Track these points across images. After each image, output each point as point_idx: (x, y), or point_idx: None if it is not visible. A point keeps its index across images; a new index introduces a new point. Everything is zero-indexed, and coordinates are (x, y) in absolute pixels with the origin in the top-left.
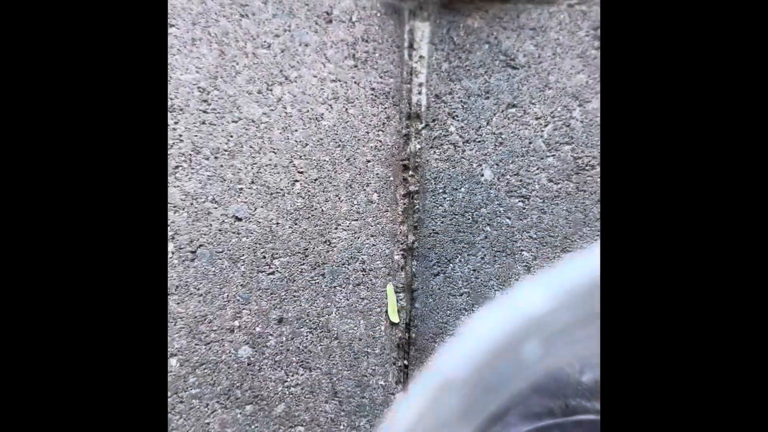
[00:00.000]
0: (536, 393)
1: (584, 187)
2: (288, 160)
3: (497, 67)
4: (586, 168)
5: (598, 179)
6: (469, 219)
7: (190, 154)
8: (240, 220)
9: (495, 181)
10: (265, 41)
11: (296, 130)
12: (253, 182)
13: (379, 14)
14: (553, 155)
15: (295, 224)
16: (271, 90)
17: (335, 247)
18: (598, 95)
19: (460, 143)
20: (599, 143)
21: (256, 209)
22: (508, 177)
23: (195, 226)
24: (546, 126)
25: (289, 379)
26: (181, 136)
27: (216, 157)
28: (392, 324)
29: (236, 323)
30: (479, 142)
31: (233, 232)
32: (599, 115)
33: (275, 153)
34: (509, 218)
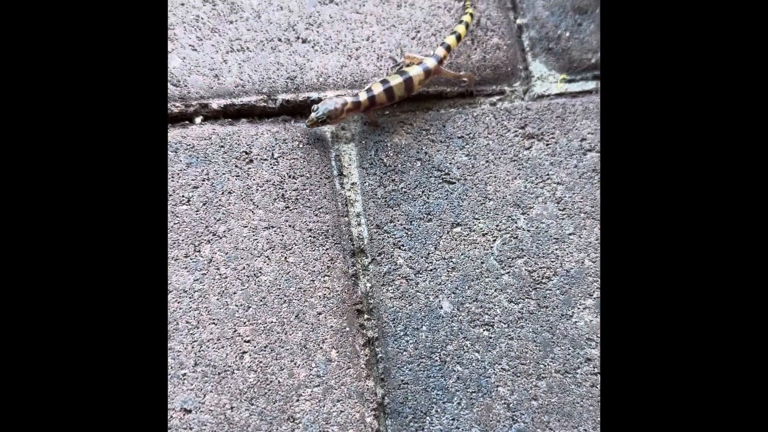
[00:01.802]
0: None
1: (545, 303)
2: (232, 330)
3: (434, 184)
4: (543, 281)
5: (558, 292)
6: (437, 361)
7: None
8: (189, 412)
9: (455, 312)
10: (183, 196)
11: (235, 293)
12: (196, 364)
13: (301, 145)
14: (508, 272)
15: (252, 404)
16: (199, 251)
17: (300, 422)
18: (539, 199)
19: (411, 275)
20: (550, 251)
21: (205, 396)
22: (467, 305)
23: None
24: (494, 242)
25: None
26: None
27: None
28: None
29: None
30: (431, 270)
31: (185, 429)
32: (544, 220)
33: (216, 324)
34: (478, 351)
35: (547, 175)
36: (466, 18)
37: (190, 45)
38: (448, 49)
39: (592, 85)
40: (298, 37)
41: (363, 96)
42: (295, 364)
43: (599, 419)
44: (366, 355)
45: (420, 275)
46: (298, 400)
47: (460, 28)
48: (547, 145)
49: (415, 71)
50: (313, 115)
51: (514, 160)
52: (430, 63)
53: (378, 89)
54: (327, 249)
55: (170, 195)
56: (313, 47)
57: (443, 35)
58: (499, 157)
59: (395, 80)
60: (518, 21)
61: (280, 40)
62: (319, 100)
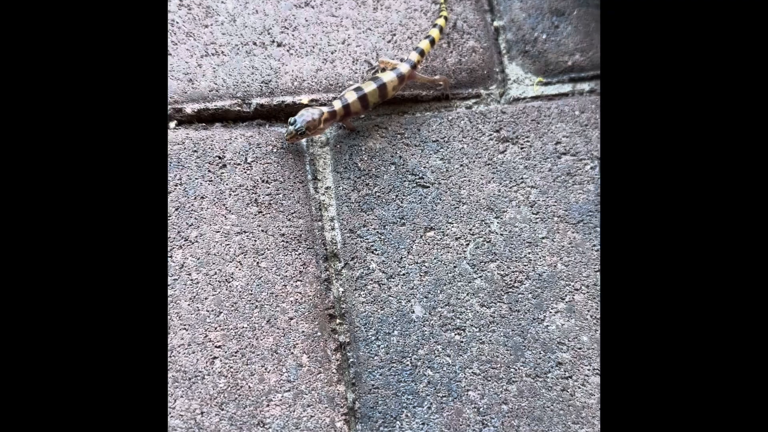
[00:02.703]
0: None
1: (517, 307)
2: (203, 335)
3: (407, 188)
4: (515, 285)
5: (530, 296)
6: (408, 365)
7: None
8: None
9: (427, 316)
10: None
11: (206, 299)
12: (167, 369)
13: (275, 149)
14: (480, 276)
15: (222, 410)
16: (171, 256)
17: (270, 427)
18: (512, 203)
19: (384, 280)
20: (522, 255)
21: (175, 401)
22: (439, 309)
23: None
24: (467, 246)
25: None
26: None
27: None
28: None
29: None
30: (404, 275)
31: None
32: (518, 224)
33: (186, 330)
34: (449, 356)
35: (521, 178)
36: (440, 22)
37: None
38: (422, 53)
39: (568, 87)
40: (273, 41)
41: (338, 105)
42: (265, 369)
43: (569, 423)
44: (337, 360)
45: (392, 279)
46: (268, 405)
47: (434, 32)
48: (522, 148)
49: (388, 77)
50: (291, 128)
51: (489, 164)
52: (404, 68)
53: (352, 97)
54: (300, 254)
55: None
56: (288, 51)
57: (418, 39)
58: (474, 161)
59: (369, 87)
60: (495, 23)
61: (255, 43)
62: (293, 105)
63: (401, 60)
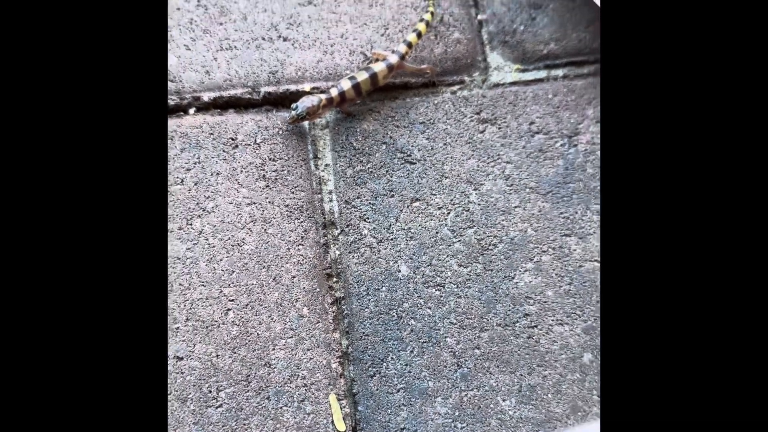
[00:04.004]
0: None
1: (491, 267)
2: (218, 291)
3: (396, 165)
4: (490, 247)
5: (502, 257)
6: (394, 316)
7: None
8: (181, 359)
9: (412, 274)
10: (177, 177)
11: (221, 260)
12: (188, 319)
13: (281, 131)
14: (459, 240)
15: (234, 353)
16: (191, 224)
17: (275, 368)
18: (489, 177)
19: (374, 244)
20: (497, 222)
21: (195, 346)
22: (422, 269)
23: None
24: (448, 214)
25: None
26: None
27: None
28: None
29: None
30: (392, 239)
31: (177, 373)
32: (493, 194)
33: (204, 286)
34: (430, 308)
35: (498, 155)
36: (427, 16)
37: (184, 45)
38: (410, 45)
39: (543, 74)
40: (279, 36)
41: (334, 92)
42: (272, 319)
43: (534, 365)
44: (333, 312)
45: (382, 244)
46: (273, 349)
47: (421, 26)
48: (499, 128)
49: (379, 67)
50: (293, 113)
51: (469, 143)
52: (393, 59)
53: (347, 85)
54: (301, 222)
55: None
56: (292, 44)
57: (408, 32)
58: (456, 140)
59: (361, 76)
60: (479, 17)
61: (263, 38)
62: (297, 92)
63: (392, 51)
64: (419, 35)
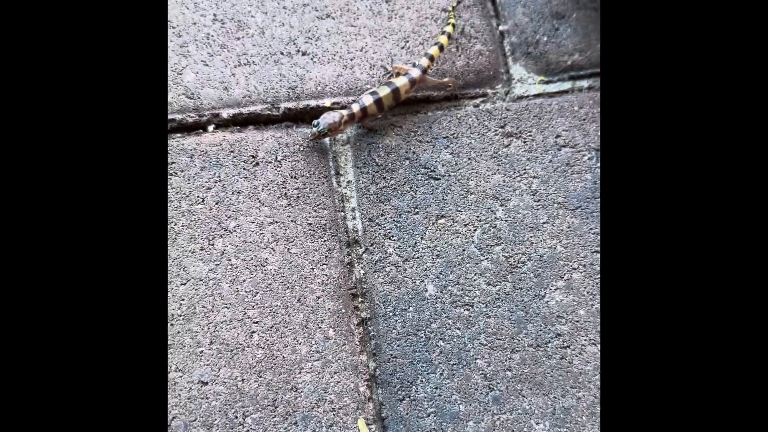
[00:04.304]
0: None
1: (520, 285)
2: (242, 313)
3: (420, 181)
4: (518, 265)
5: (531, 275)
6: (422, 337)
7: None
8: (206, 384)
9: (439, 294)
10: (198, 196)
11: (244, 281)
12: (212, 342)
13: (302, 148)
14: (487, 258)
15: (260, 377)
16: (213, 245)
17: (302, 392)
18: (516, 192)
19: (400, 263)
20: (525, 239)
21: (219, 370)
22: (450, 288)
23: None
24: (475, 231)
25: None
26: None
27: (172, 324)
28: None
29: None
30: (418, 258)
31: (202, 398)
32: (520, 210)
33: (228, 308)
34: (458, 329)
35: (524, 169)
36: (449, 29)
37: (202, 61)
38: (432, 59)
39: (568, 85)
40: (298, 50)
41: (356, 108)
42: (297, 341)
43: (567, 387)
44: (360, 333)
45: (408, 262)
46: (300, 373)
47: (443, 39)
48: (525, 142)
49: (401, 81)
50: (315, 129)
51: (494, 157)
52: (415, 73)
53: (369, 101)
54: (325, 240)
55: (187, 196)
56: (311, 59)
57: (429, 45)
58: (480, 155)
59: (383, 91)
60: (500, 28)
61: (282, 53)
62: (317, 108)
63: (413, 65)
64: (441, 48)
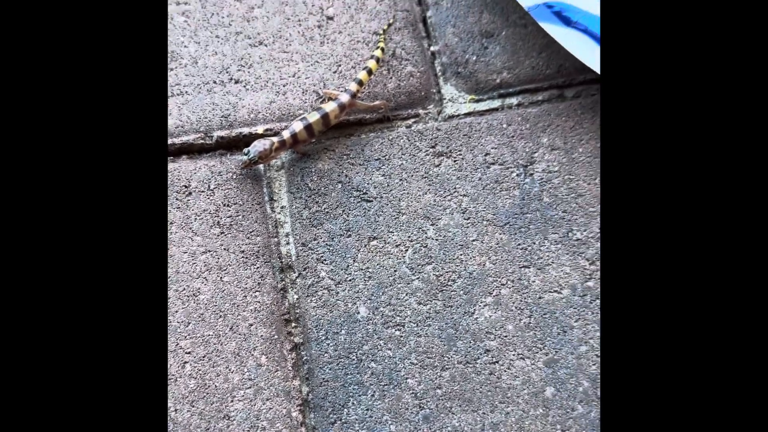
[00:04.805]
0: None
1: (450, 303)
2: (174, 344)
3: (353, 203)
4: (449, 283)
5: (461, 292)
6: (354, 360)
7: None
8: None
9: (371, 316)
10: None
11: (176, 311)
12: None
13: (235, 175)
14: (418, 278)
15: (193, 406)
16: None
17: (234, 419)
18: (446, 211)
19: (332, 286)
20: (455, 257)
21: None
22: (381, 309)
23: None
24: (406, 251)
25: None
26: None
27: None
28: None
29: None
30: (350, 281)
31: None
32: (451, 229)
33: None
34: (390, 349)
35: (454, 188)
36: (377, 53)
37: None
38: (360, 83)
39: (497, 103)
40: (231, 78)
41: (286, 134)
42: (229, 370)
43: (496, 402)
44: (293, 359)
45: (340, 285)
46: (232, 401)
47: (372, 63)
48: (455, 161)
49: (330, 107)
50: (245, 158)
51: (425, 177)
52: (344, 98)
53: (299, 127)
54: (258, 267)
55: None
56: (244, 87)
57: (360, 69)
58: (412, 175)
59: (313, 117)
60: (432, 48)
61: (215, 82)
62: (250, 135)
63: (343, 90)
64: (369, 72)
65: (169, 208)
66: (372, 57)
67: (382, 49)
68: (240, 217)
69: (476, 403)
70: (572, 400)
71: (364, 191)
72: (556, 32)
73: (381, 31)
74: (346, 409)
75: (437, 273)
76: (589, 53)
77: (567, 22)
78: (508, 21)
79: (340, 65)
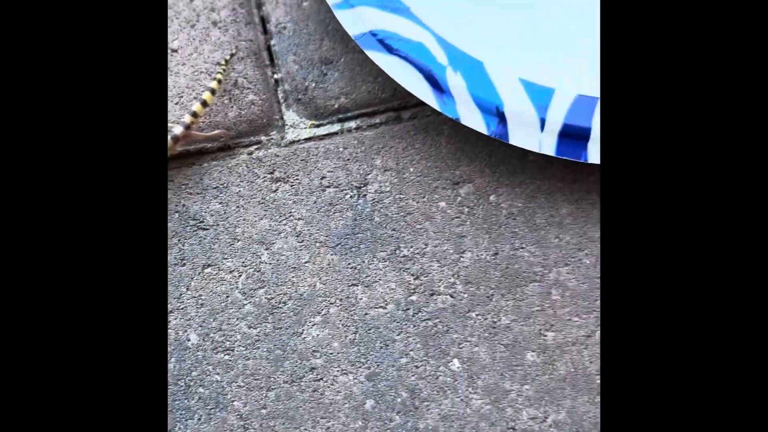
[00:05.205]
0: None
1: (280, 325)
2: None
3: (188, 233)
4: (279, 305)
5: (291, 314)
6: (182, 386)
7: None
8: None
9: (201, 342)
10: None
11: None
12: None
13: None
14: (250, 302)
15: None
16: None
17: None
18: (281, 235)
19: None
20: (287, 279)
21: None
22: (212, 335)
23: None
24: (240, 276)
25: None
26: None
27: None
28: None
29: None
30: (182, 309)
31: None
32: (284, 252)
33: None
34: (218, 374)
35: (290, 212)
36: (213, 84)
37: None
38: (195, 115)
39: (336, 127)
40: None
41: None
42: None
43: (318, 418)
44: None
45: (172, 314)
46: None
47: (206, 95)
48: (292, 185)
49: None
50: None
51: (262, 203)
52: (178, 130)
53: None
54: None
55: None
56: None
57: (194, 102)
58: (249, 202)
59: None
60: (275, 76)
61: None
62: None
63: (177, 122)
64: (204, 104)
65: None
66: (207, 89)
67: (219, 81)
68: None
69: (299, 420)
70: (390, 411)
71: (201, 220)
72: (381, 60)
73: (223, 62)
74: None
75: (269, 296)
76: (409, 79)
77: (389, 49)
78: (347, 47)
79: (182, 96)
